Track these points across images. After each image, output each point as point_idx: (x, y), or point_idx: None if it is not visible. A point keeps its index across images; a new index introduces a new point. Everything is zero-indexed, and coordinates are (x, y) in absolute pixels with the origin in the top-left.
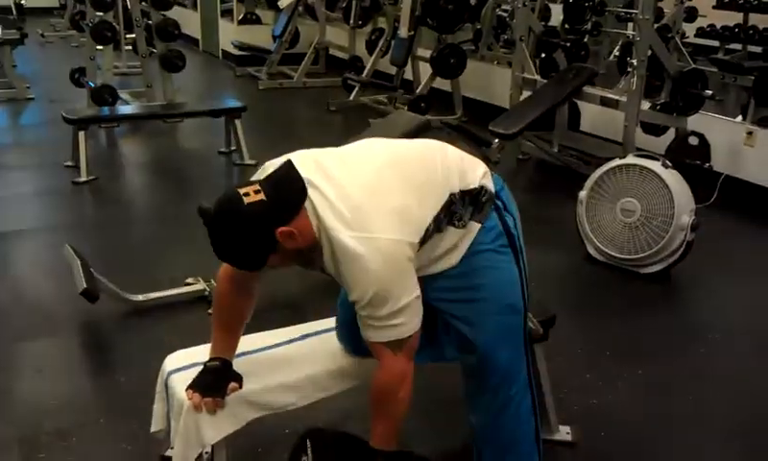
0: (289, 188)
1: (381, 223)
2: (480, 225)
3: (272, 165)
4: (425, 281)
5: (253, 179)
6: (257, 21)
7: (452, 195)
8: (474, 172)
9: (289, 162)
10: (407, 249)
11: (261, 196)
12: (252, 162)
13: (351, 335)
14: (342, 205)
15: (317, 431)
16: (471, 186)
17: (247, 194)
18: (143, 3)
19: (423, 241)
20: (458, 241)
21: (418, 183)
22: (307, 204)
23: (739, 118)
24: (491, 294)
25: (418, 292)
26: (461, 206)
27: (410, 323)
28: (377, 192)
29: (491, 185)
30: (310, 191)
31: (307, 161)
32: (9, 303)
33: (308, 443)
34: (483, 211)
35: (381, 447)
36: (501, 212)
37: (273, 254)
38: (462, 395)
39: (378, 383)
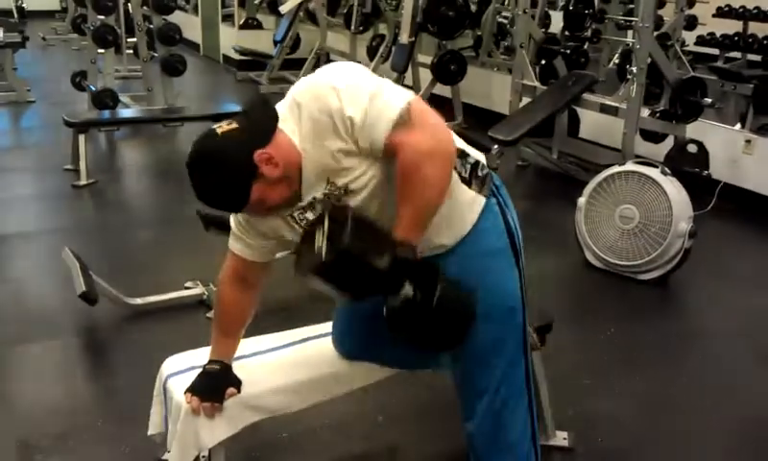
0: (261, 113)
1: (325, 70)
2: (484, 199)
3: None
4: None
5: None
6: (258, 26)
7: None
8: (464, 144)
9: (258, 92)
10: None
11: (234, 125)
12: None
13: (348, 340)
14: (294, 91)
15: (338, 208)
16: (461, 147)
17: (220, 127)
18: (144, 7)
19: None
20: (460, 210)
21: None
22: (281, 124)
23: (738, 126)
24: (489, 296)
25: (388, 81)
26: (458, 157)
27: (398, 93)
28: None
29: (485, 163)
30: (281, 115)
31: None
32: (8, 306)
33: (327, 216)
34: (485, 184)
35: (404, 236)
36: (503, 208)
37: (255, 182)
38: (457, 400)
39: (401, 164)
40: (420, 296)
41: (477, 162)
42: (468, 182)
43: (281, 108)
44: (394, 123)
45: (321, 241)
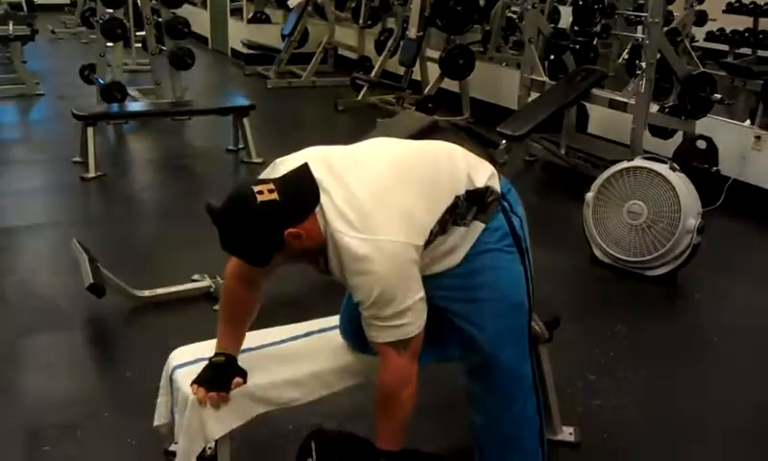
0: (303, 191)
1: (386, 225)
2: (483, 225)
3: (282, 163)
4: (430, 281)
5: (263, 176)
6: (267, 20)
7: (457, 197)
8: (481, 173)
9: (305, 165)
10: (411, 251)
11: (275, 196)
12: (260, 160)
13: (356, 332)
14: (349, 207)
15: (321, 433)
16: (477, 186)
17: (261, 192)
18: (153, 1)
19: (428, 243)
20: (460, 240)
21: (424, 186)
22: (318, 212)
23: (747, 122)
24: (495, 293)
25: (422, 294)
26: (465, 207)
27: (414, 323)
28: (384, 195)
29: (497, 186)
30: (322, 195)
31: (318, 161)
32: (16, 298)
33: (312, 445)
34: (487, 211)
35: (387, 447)
36: (508, 214)
37: (278, 252)
38: (465, 394)
39: (382, 384)
40: None
41: (486, 190)
42: (467, 224)
43: (321, 185)
44: (393, 341)
45: None
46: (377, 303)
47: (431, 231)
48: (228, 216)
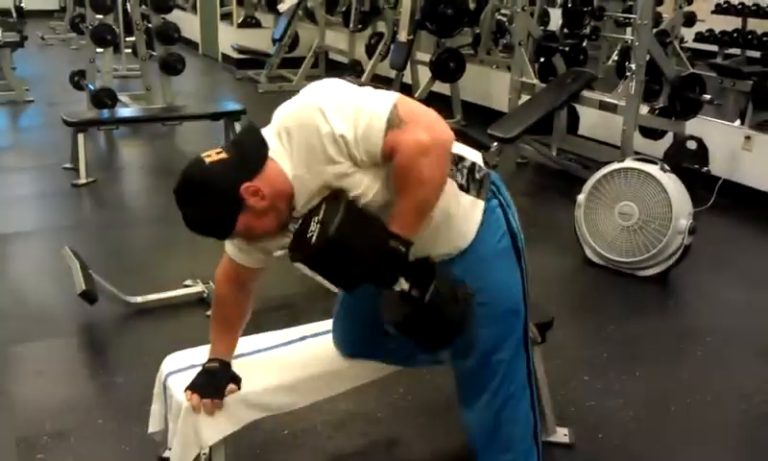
0: (251, 144)
1: (308, 91)
2: (483, 202)
3: None
4: None
5: None
6: (257, 25)
7: None
8: (467, 150)
9: (250, 124)
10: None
11: (223, 155)
12: None
13: (347, 338)
14: (279, 115)
15: (335, 196)
16: (461, 153)
17: (209, 156)
18: (143, 6)
19: None
20: (463, 214)
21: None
22: (272, 154)
23: (737, 123)
24: (491, 298)
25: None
26: (450, 160)
27: (382, 97)
28: None
29: (482, 164)
30: (273, 142)
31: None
32: (8, 305)
33: (323, 205)
34: (482, 187)
35: (399, 230)
36: (505, 209)
37: (241, 214)
38: (457, 396)
39: (398, 161)
40: (416, 291)
41: (474, 165)
42: (465, 189)
43: (268, 135)
44: (385, 129)
45: (313, 228)
46: (335, 115)
47: None
48: (181, 188)
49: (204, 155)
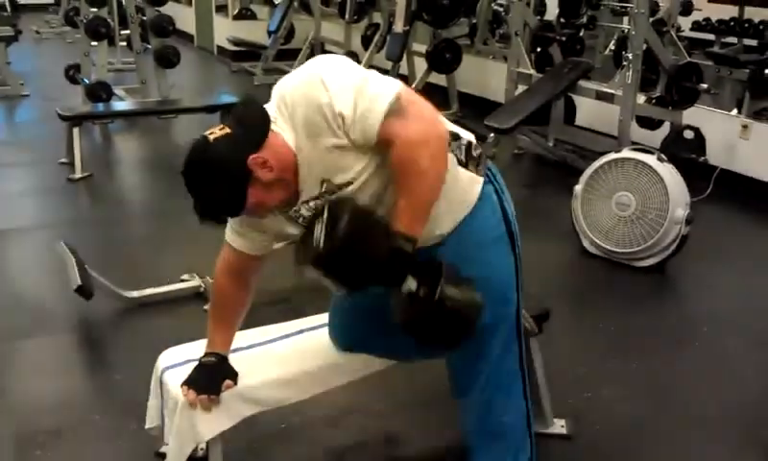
0: (253, 116)
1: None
2: (481, 179)
3: None
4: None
5: None
6: (252, 17)
7: None
8: (454, 126)
9: (248, 96)
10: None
11: (226, 130)
12: None
13: (343, 332)
14: (279, 89)
15: (339, 200)
16: (457, 132)
17: (212, 133)
18: None
19: None
20: (463, 188)
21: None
22: (273, 126)
23: (734, 112)
24: (484, 286)
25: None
26: (450, 139)
27: (386, 83)
28: None
29: (476, 144)
30: (271, 113)
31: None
32: (3, 301)
33: (327, 208)
34: (480, 163)
35: (405, 229)
36: (500, 196)
37: (250, 187)
38: (450, 387)
39: (396, 155)
40: (424, 291)
41: (470, 143)
42: (464, 164)
43: (270, 107)
44: (384, 114)
45: (319, 233)
46: (336, 90)
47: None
48: (188, 169)
49: (206, 132)
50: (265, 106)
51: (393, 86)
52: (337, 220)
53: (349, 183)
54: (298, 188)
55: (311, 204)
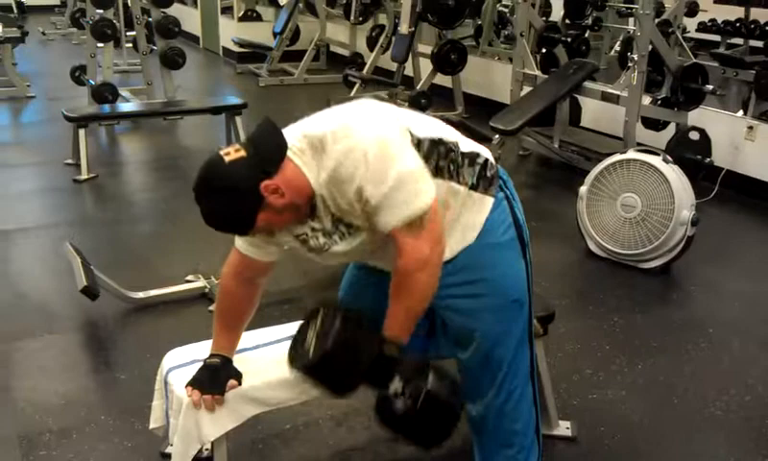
0: (270, 141)
1: (362, 124)
2: (492, 199)
3: None
4: None
5: None
6: (258, 18)
7: (450, 142)
8: (477, 147)
9: (266, 119)
10: (396, 125)
11: (242, 153)
12: None
13: None
14: (321, 127)
15: (330, 303)
16: (473, 150)
17: (227, 153)
18: (143, 0)
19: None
20: (468, 209)
21: (407, 115)
22: (292, 156)
23: (740, 113)
24: (495, 289)
25: (422, 163)
26: (461, 160)
27: (420, 193)
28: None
29: (494, 162)
30: (293, 141)
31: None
32: (9, 301)
33: (320, 311)
34: (492, 184)
35: (394, 335)
36: (511, 202)
37: (261, 211)
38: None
39: (398, 268)
40: (408, 393)
41: (486, 162)
42: (475, 187)
43: (294, 134)
44: (407, 221)
45: (310, 341)
46: (373, 169)
47: (416, 138)
48: (201, 185)
49: (222, 152)
50: (289, 130)
51: (426, 196)
52: (328, 331)
53: (358, 228)
54: (308, 211)
55: (319, 234)
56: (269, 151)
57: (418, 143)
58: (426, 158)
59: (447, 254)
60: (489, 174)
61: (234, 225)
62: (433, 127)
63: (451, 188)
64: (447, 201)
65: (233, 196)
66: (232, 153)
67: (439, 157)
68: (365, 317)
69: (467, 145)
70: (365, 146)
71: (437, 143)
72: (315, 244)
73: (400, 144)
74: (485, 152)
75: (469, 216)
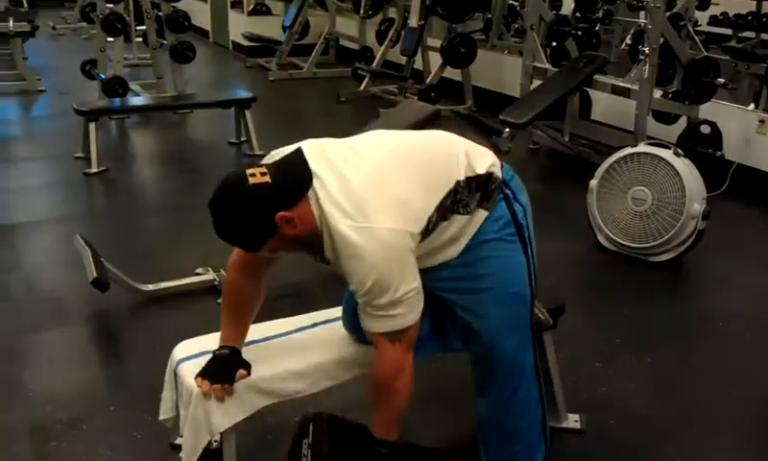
0: (295, 175)
1: (380, 212)
2: (487, 213)
3: (278, 153)
4: (431, 272)
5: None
6: (267, 12)
7: (458, 182)
8: (482, 160)
9: (299, 150)
10: (407, 239)
11: (267, 179)
12: (262, 153)
13: (358, 324)
14: (342, 195)
15: (319, 416)
16: (478, 172)
17: (253, 175)
18: None
19: (426, 231)
20: (462, 229)
21: (421, 172)
22: (311, 193)
23: (752, 106)
24: (495, 283)
25: (418, 283)
26: (467, 192)
27: (409, 313)
28: (378, 182)
29: (499, 174)
30: (315, 181)
31: (315, 151)
32: (21, 294)
33: (310, 427)
34: (490, 199)
35: (382, 435)
36: (510, 202)
37: (271, 238)
38: (471, 383)
39: (376, 374)
40: None
41: (490, 176)
42: (471, 211)
43: (325, 178)
44: (385, 332)
45: (305, 452)
46: (372, 291)
47: (429, 219)
48: (219, 199)
49: (248, 172)
50: (320, 166)
51: (413, 315)
52: (321, 439)
53: None
54: (317, 246)
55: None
56: (293, 182)
57: (429, 221)
58: (436, 221)
59: (441, 260)
60: (492, 186)
61: (243, 244)
62: (447, 173)
63: (453, 218)
64: (449, 226)
65: (249, 219)
66: (258, 176)
67: (446, 210)
68: (353, 423)
69: (477, 164)
70: (367, 272)
71: (444, 201)
72: (320, 259)
73: (401, 271)
74: (488, 160)
75: (466, 230)
